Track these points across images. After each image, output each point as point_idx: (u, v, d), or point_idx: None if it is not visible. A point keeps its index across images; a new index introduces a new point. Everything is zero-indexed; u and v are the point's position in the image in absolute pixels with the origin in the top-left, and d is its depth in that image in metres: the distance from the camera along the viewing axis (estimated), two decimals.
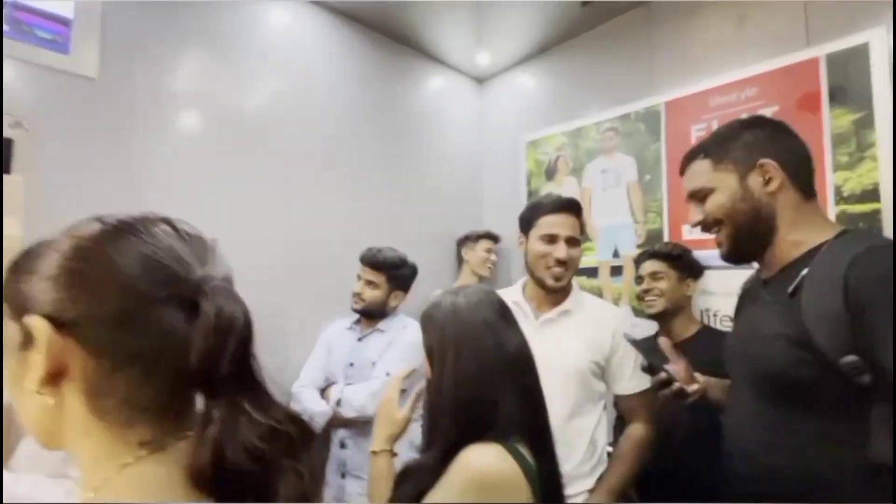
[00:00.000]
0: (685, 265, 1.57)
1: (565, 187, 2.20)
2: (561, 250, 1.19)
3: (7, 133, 1.28)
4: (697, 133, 1.74)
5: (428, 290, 2.05)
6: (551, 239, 1.21)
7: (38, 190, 1.31)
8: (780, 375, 0.77)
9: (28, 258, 0.41)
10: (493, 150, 2.60)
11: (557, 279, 1.20)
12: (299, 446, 0.41)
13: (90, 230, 0.40)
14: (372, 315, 1.71)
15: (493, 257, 2.27)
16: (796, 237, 0.82)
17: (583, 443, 1.17)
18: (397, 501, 0.77)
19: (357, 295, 1.69)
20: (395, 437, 0.90)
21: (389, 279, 1.70)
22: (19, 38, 1.33)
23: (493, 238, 2.31)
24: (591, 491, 1.15)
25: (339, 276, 1.85)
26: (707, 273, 1.66)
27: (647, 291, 1.57)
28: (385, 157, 2.21)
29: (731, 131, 0.90)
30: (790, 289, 0.77)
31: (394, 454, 0.91)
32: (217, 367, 0.39)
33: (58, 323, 0.37)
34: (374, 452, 0.90)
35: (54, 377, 0.38)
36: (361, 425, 1.53)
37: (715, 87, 1.71)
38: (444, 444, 0.73)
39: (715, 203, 0.87)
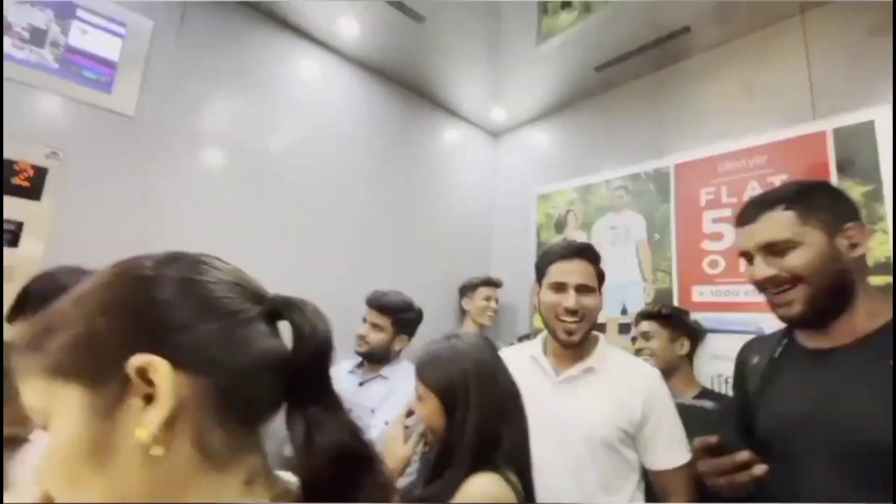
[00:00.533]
0: (676, 324, 1.58)
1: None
2: (570, 299, 1.07)
3: (42, 162, 1.35)
4: (707, 196, 1.77)
5: (432, 336, 2.03)
6: (560, 287, 1.10)
7: (64, 217, 1.35)
8: (883, 450, 0.68)
9: (108, 297, 0.36)
10: (504, 202, 2.65)
11: (569, 333, 1.08)
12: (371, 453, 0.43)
13: (167, 264, 0.39)
14: (375, 359, 1.68)
15: (493, 304, 2.23)
16: (873, 307, 0.79)
17: None
18: None
19: (362, 338, 1.68)
20: (399, 474, 0.92)
21: (394, 322, 1.69)
22: (67, 77, 1.42)
23: (493, 284, 2.27)
24: None
25: (346, 319, 1.84)
26: (718, 337, 1.63)
27: (639, 351, 1.58)
28: (398, 203, 2.26)
29: (810, 188, 0.85)
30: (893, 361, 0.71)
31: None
32: (313, 376, 0.40)
33: (173, 357, 0.34)
34: None
35: (166, 425, 0.33)
36: None
37: (725, 154, 1.75)
38: (461, 474, 0.81)
39: (801, 259, 0.79)
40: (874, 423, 0.70)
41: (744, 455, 0.78)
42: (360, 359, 1.73)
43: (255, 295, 0.41)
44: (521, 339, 2.10)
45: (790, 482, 0.78)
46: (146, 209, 1.54)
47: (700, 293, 1.72)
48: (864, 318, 0.78)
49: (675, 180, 1.89)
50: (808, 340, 0.84)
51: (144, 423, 0.33)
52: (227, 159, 1.76)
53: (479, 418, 0.86)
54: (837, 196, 0.84)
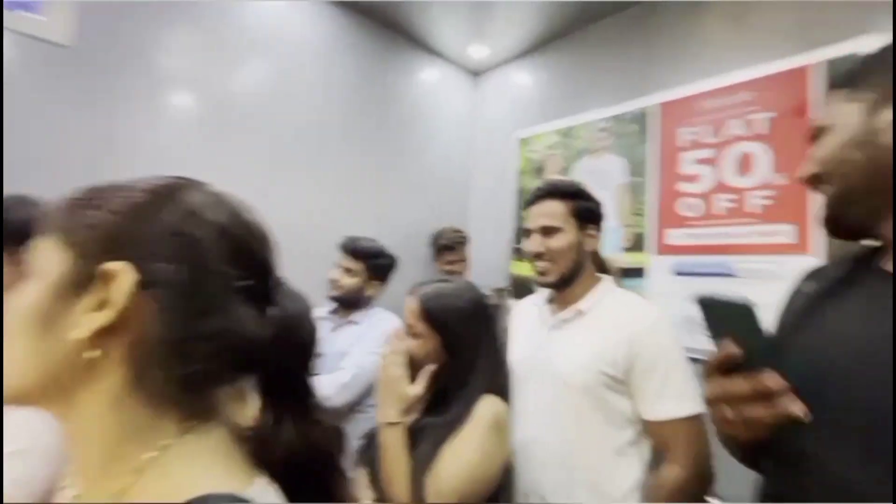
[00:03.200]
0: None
1: None
2: (531, 243, 1.08)
3: None
4: (688, 137, 1.71)
5: (409, 282, 2.01)
6: (527, 232, 1.11)
7: (13, 149, 1.27)
8: None
9: (119, 197, 0.37)
10: (484, 145, 2.56)
11: (541, 274, 1.08)
12: (340, 445, 0.45)
13: (196, 198, 0.39)
14: (347, 304, 1.68)
15: (457, 267, 2.13)
16: None
17: (593, 478, 0.96)
18: (420, 462, 0.85)
19: (334, 282, 1.67)
20: (408, 412, 0.93)
21: (367, 268, 1.68)
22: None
23: (452, 248, 2.15)
24: None
25: (320, 265, 1.82)
26: (693, 280, 1.63)
27: None
28: (373, 146, 2.17)
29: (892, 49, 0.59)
30: None
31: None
32: (293, 369, 0.42)
33: (147, 280, 0.34)
34: (390, 424, 0.90)
35: (104, 333, 0.34)
36: None
37: (709, 91, 1.67)
38: (472, 402, 0.90)
39: (823, 148, 0.61)
40: None
41: (770, 380, 0.49)
42: (334, 305, 1.72)
43: (259, 268, 0.41)
44: (496, 291, 2.10)
45: (816, 462, 0.54)
46: (106, 145, 1.46)
47: (675, 236, 1.70)
48: None
49: (658, 120, 1.81)
50: (881, 260, 0.60)
51: (82, 322, 0.33)
52: (187, 100, 1.66)
53: (489, 353, 0.96)
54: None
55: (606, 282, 1.10)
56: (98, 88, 1.47)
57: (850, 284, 0.61)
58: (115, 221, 0.36)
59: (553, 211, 1.07)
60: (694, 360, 0.97)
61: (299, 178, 1.92)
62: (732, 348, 0.50)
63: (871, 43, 1.33)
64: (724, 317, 0.50)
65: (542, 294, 1.18)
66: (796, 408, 0.48)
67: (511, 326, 1.23)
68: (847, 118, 0.59)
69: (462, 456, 0.85)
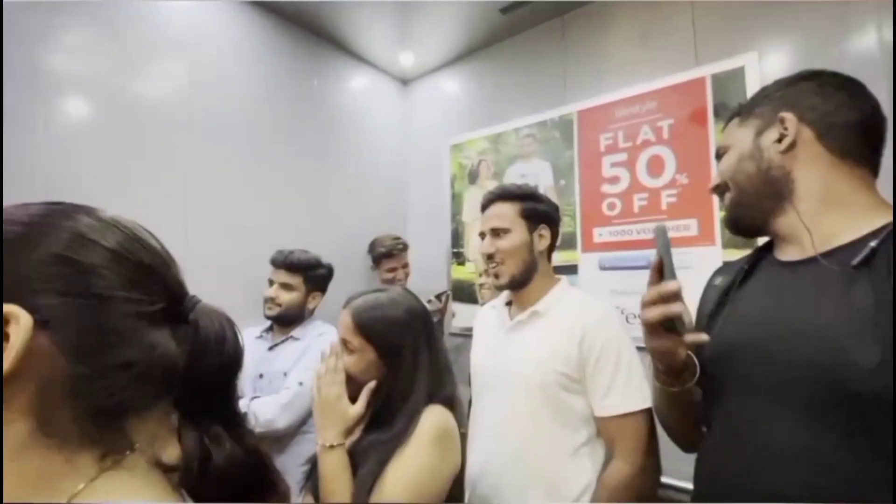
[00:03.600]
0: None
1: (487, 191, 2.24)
2: (483, 245, 1.12)
3: None
4: (605, 142, 1.85)
5: (347, 294, 1.97)
6: (481, 236, 1.14)
7: None
8: (857, 381, 0.53)
9: (8, 234, 0.34)
10: (417, 153, 2.58)
11: (495, 276, 1.10)
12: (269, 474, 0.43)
13: (88, 223, 0.37)
14: (287, 321, 1.61)
15: (399, 276, 2.08)
16: (830, 216, 0.64)
17: (546, 478, 0.98)
18: (363, 482, 0.82)
19: (271, 300, 1.58)
20: (349, 433, 0.90)
21: (306, 280, 1.62)
22: None
23: (392, 255, 2.08)
24: None
25: (247, 283, 1.72)
26: (616, 274, 1.77)
27: None
28: (302, 155, 2.09)
29: (777, 84, 0.74)
30: (856, 261, 0.57)
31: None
32: (216, 390, 0.39)
33: (40, 319, 0.32)
34: (330, 447, 0.86)
35: (5, 381, 0.31)
36: (271, 441, 1.42)
37: (621, 100, 1.83)
38: (415, 414, 0.87)
39: (723, 163, 0.76)
40: (848, 344, 0.55)
41: (671, 286, 0.62)
42: (267, 323, 1.64)
43: (170, 290, 0.39)
44: (438, 296, 2.11)
45: (744, 424, 0.65)
46: None
47: (600, 234, 1.83)
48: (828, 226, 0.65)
49: (577, 127, 1.95)
50: (777, 252, 0.73)
51: None
52: (90, 108, 1.48)
53: (431, 362, 0.93)
54: (801, 87, 0.71)
55: (563, 283, 1.13)
56: None
57: (753, 274, 0.74)
58: (8, 259, 0.33)
59: (502, 213, 1.11)
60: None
61: (221, 189, 1.79)
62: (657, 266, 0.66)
63: (751, 59, 1.54)
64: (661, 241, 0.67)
65: (502, 298, 1.21)
66: (675, 311, 0.63)
67: (473, 332, 1.25)
68: (740, 139, 0.74)
69: (407, 471, 0.82)
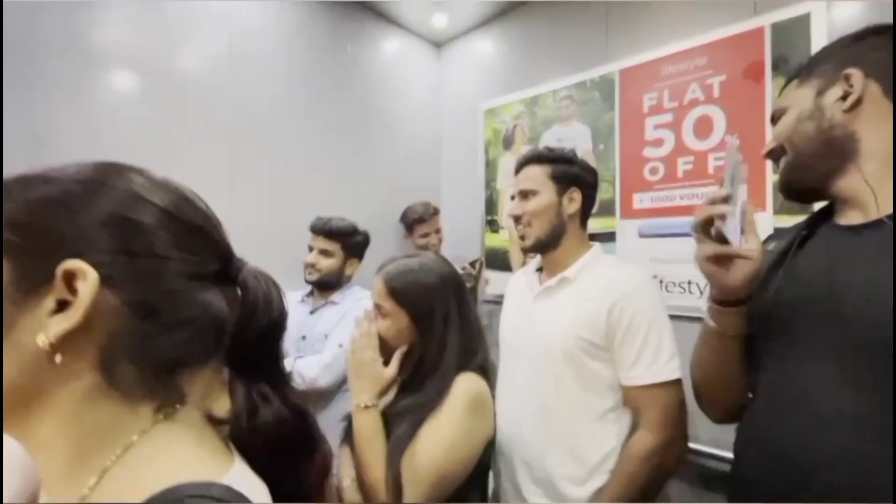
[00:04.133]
0: None
1: None
2: (511, 206, 1.12)
3: None
4: (649, 102, 1.76)
5: (380, 261, 2.02)
6: (512, 200, 1.14)
7: None
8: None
9: (64, 192, 0.35)
10: (450, 118, 2.54)
11: (520, 238, 1.11)
12: (312, 433, 0.44)
13: (142, 183, 0.38)
14: (327, 286, 1.67)
15: (432, 240, 2.08)
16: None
17: (567, 441, 0.98)
18: (397, 445, 0.84)
19: (311, 266, 1.65)
20: (382, 394, 0.93)
21: (344, 247, 1.67)
22: None
23: (424, 220, 2.08)
24: None
25: (288, 250, 1.78)
26: (657, 241, 1.71)
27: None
28: (337, 122, 2.11)
29: (841, 41, 0.70)
30: None
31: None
32: (264, 350, 0.41)
33: (105, 275, 0.33)
34: (365, 407, 0.90)
35: (70, 335, 0.32)
36: (315, 399, 1.51)
37: (667, 56, 1.71)
38: (448, 380, 0.89)
39: (780, 126, 0.73)
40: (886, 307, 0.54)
41: (720, 191, 0.64)
42: (308, 288, 1.71)
43: (221, 251, 0.41)
44: (472, 263, 2.11)
45: (798, 389, 0.63)
46: (23, 138, 1.33)
47: (640, 200, 1.77)
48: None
49: (619, 87, 1.85)
50: (837, 216, 0.69)
51: (48, 327, 0.32)
52: (134, 81, 1.54)
53: (462, 328, 0.94)
54: (862, 45, 0.69)
55: (595, 249, 1.11)
56: (22, 71, 1.33)
57: (811, 239, 0.71)
58: (56, 216, 0.34)
59: (532, 175, 1.10)
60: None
61: (261, 158, 1.84)
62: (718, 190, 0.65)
63: (819, 6, 1.40)
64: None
65: (533, 264, 1.20)
66: (719, 210, 0.63)
67: (504, 298, 1.25)
68: (800, 100, 0.70)
69: (439, 436, 0.83)
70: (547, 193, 1.07)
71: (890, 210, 0.60)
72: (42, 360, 0.32)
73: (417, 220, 2.10)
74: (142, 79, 1.55)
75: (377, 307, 0.97)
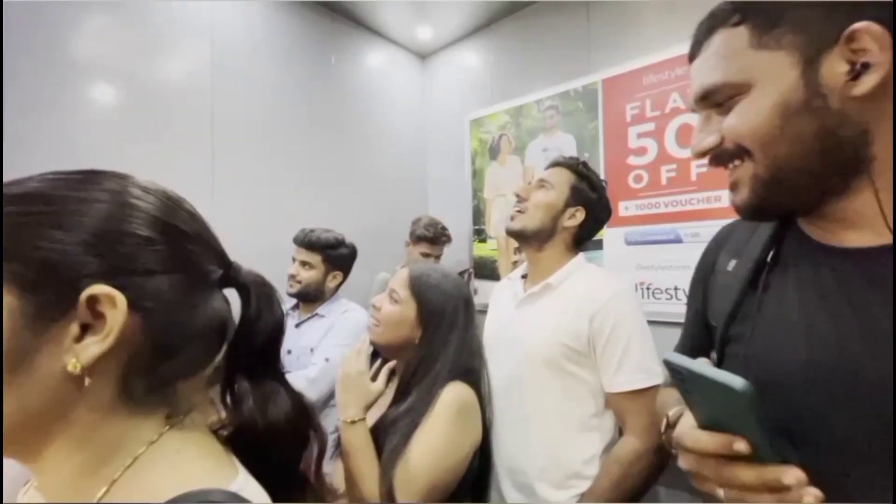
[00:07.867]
0: None
1: (508, 166, 2.20)
2: (522, 189, 1.12)
3: None
4: (632, 111, 1.78)
5: (371, 273, 1.99)
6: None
7: None
8: None
9: (72, 213, 0.33)
10: (436, 129, 2.54)
11: (511, 217, 1.11)
12: (313, 424, 0.45)
13: (156, 202, 0.37)
14: (310, 298, 1.63)
15: (430, 261, 2.00)
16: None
17: (548, 447, 0.98)
18: (389, 455, 0.84)
19: (292, 277, 1.61)
20: (369, 407, 0.93)
21: (325, 259, 1.63)
22: None
23: (425, 240, 1.98)
24: None
25: (273, 263, 1.74)
26: (642, 248, 1.72)
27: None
28: (321, 133, 2.10)
29: None
30: None
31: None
32: (268, 352, 0.41)
33: (132, 298, 0.33)
34: (352, 422, 0.89)
35: (99, 357, 0.32)
36: None
37: (648, 66, 1.74)
38: (437, 388, 0.90)
39: (740, 115, 0.45)
40: None
41: (787, 476, 0.37)
42: (294, 301, 1.68)
43: (219, 256, 0.41)
44: (460, 273, 2.09)
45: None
46: (18, 151, 1.30)
47: (626, 208, 1.78)
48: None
49: (602, 96, 1.87)
50: (817, 232, 0.48)
51: (80, 353, 0.32)
52: (115, 93, 1.51)
53: (462, 336, 0.97)
54: None
55: (579, 258, 1.12)
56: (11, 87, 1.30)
57: (788, 259, 0.50)
58: (77, 240, 0.32)
59: (558, 175, 1.12)
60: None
61: (244, 171, 1.81)
62: (741, 445, 0.38)
63: None
64: (713, 395, 0.39)
65: (518, 271, 1.20)
66: (811, 497, 0.36)
67: (489, 305, 1.25)
68: (775, 73, 0.42)
69: (428, 447, 0.84)
70: (559, 196, 1.09)
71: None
72: (66, 385, 0.32)
73: (428, 239, 2.00)
74: (122, 91, 1.52)
75: (392, 292, 0.99)
